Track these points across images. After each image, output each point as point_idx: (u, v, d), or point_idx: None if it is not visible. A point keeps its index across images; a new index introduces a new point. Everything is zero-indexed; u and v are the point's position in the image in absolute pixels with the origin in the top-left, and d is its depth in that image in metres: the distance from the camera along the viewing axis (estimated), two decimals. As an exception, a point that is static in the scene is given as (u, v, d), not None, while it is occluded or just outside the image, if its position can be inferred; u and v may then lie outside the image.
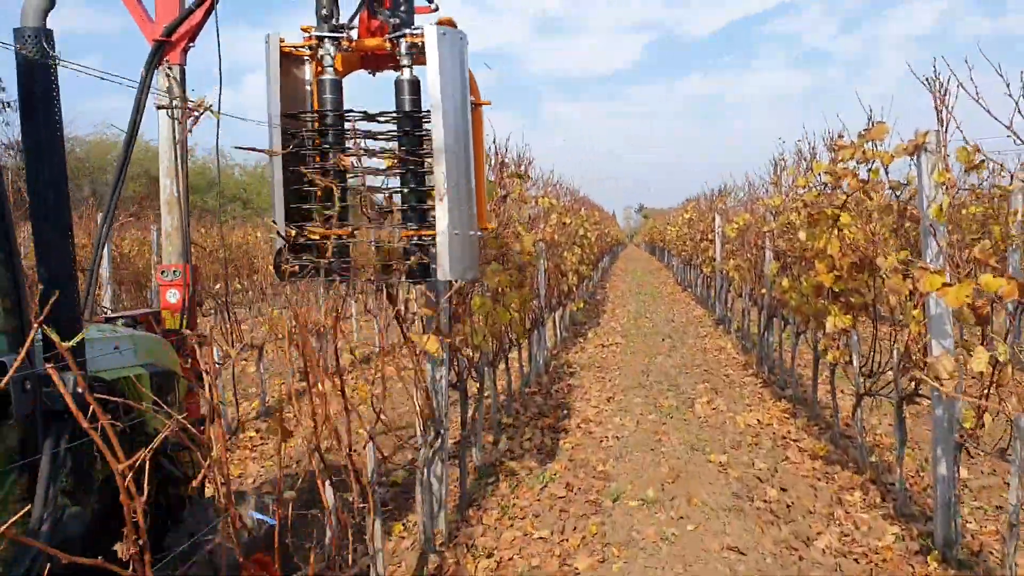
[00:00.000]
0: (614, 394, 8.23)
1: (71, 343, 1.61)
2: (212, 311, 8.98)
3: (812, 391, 6.96)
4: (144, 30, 3.68)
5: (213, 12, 3.64)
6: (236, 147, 3.58)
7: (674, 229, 23.07)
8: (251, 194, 36.19)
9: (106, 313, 5.76)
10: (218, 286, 12.29)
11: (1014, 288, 3.01)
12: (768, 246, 8.33)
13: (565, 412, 7.40)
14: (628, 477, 5.47)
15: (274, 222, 3.27)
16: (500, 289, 5.53)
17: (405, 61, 3.21)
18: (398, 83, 3.25)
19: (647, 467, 5.68)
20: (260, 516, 2.37)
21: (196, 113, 3.57)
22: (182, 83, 3.73)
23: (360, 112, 3.28)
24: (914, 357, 4.16)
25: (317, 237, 3.25)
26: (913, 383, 4.33)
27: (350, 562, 2.68)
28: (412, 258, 3.22)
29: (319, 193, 3.26)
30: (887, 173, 4.52)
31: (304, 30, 3.28)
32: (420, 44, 3.14)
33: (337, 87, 3.29)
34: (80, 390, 1.62)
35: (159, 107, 3.65)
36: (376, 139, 3.33)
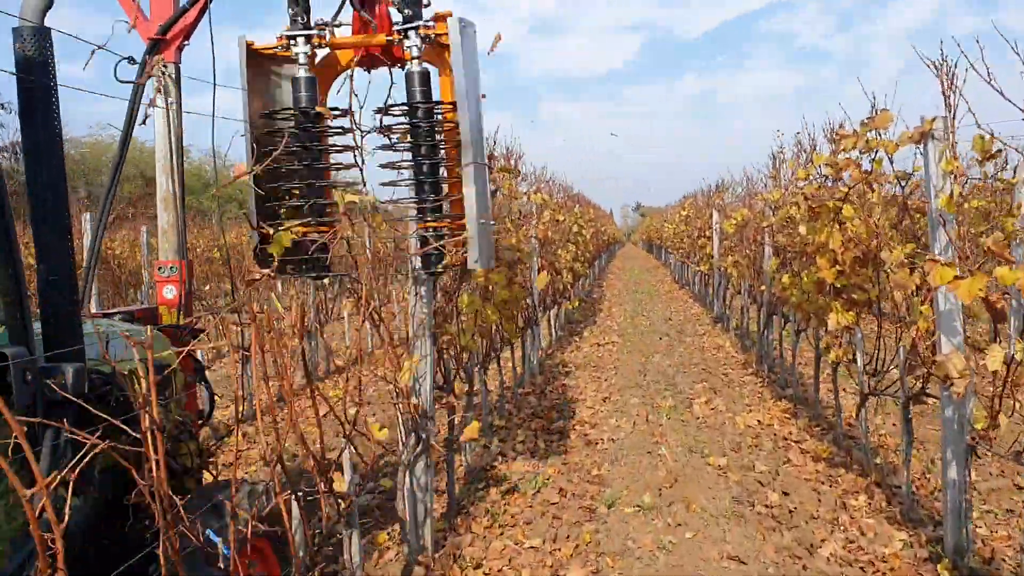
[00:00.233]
0: (610, 394, 8.02)
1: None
2: (199, 314, 8.81)
3: (814, 391, 6.76)
4: (139, 28, 3.73)
5: (207, 11, 3.70)
6: (222, 186, 3.91)
7: (671, 226, 22.89)
8: (247, 195, 36.03)
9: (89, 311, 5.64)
10: (207, 287, 12.10)
11: (1033, 281, 2.81)
12: (767, 242, 8.14)
13: (559, 413, 7.19)
14: (624, 481, 5.27)
15: (246, 214, 3.41)
16: (489, 287, 5.34)
17: (415, 53, 3.25)
18: (408, 75, 3.30)
19: (644, 471, 5.49)
20: (216, 538, 2.19)
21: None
22: (177, 81, 3.79)
23: (383, 107, 3.38)
24: (922, 355, 3.97)
25: (296, 235, 3.28)
26: (920, 382, 4.14)
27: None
28: (429, 248, 3.33)
29: (295, 192, 3.38)
30: (892, 163, 4.34)
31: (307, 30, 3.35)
32: (432, 37, 3.22)
33: (312, 84, 3.34)
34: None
35: (153, 105, 3.68)
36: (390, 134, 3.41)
